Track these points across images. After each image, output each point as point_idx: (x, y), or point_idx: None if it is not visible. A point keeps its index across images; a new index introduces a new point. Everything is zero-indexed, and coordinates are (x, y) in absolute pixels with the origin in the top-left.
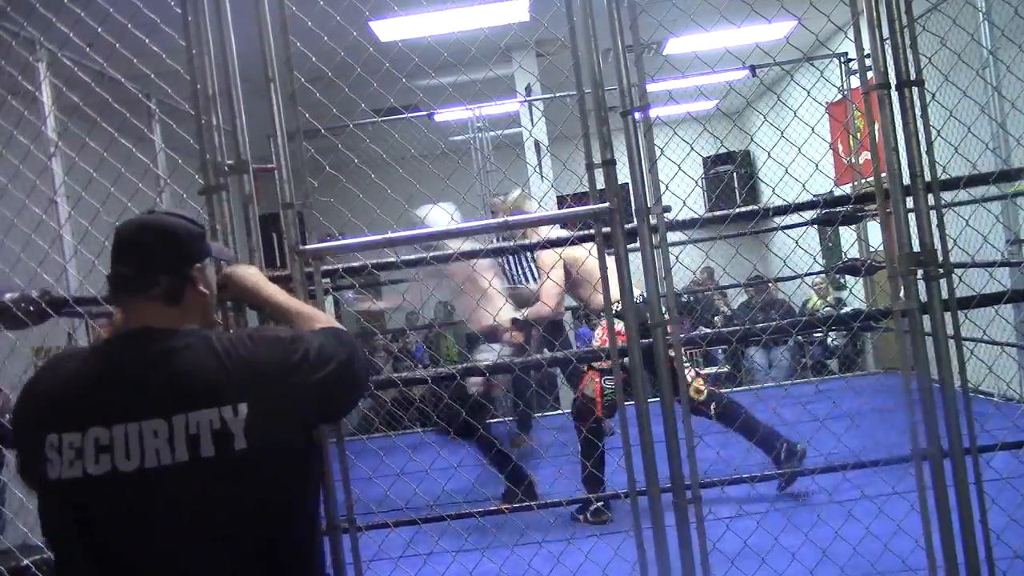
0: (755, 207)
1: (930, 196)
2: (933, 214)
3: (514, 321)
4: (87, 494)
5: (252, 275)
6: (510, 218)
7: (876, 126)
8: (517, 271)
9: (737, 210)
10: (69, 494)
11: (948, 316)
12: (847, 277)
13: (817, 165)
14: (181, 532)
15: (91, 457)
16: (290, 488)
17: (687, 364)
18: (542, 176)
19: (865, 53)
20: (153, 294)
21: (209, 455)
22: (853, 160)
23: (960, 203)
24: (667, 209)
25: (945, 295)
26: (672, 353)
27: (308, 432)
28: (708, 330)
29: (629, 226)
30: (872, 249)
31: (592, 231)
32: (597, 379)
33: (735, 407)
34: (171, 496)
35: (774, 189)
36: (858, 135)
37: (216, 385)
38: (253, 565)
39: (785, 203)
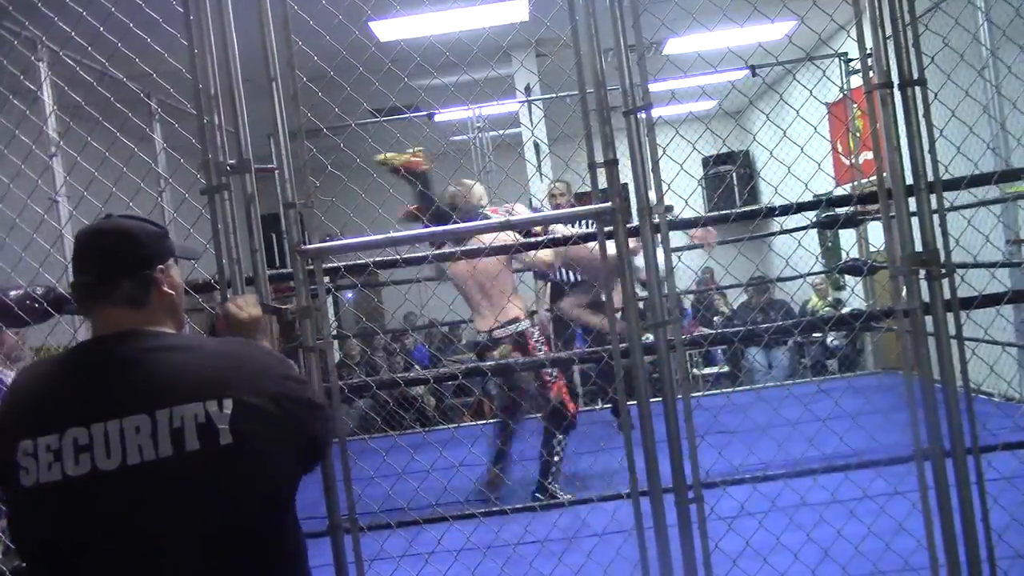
0: (758, 207)
1: (932, 196)
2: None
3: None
4: (67, 497)
5: (247, 309)
6: (513, 218)
7: (878, 126)
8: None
9: (740, 210)
10: (48, 499)
11: (950, 316)
12: (846, 277)
13: (820, 164)
14: (165, 530)
15: (70, 458)
16: (276, 487)
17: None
18: (542, 176)
19: (867, 52)
20: (117, 299)
21: (194, 448)
22: (853, 160)
23: (963, 206)
24: (669, 209)
25: (947, 295)
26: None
27: (290, 452)
28: (708, 330)
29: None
30: (873, 249)
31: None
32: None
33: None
34: (156, 493)
35: (776, 189)
36: (858, 134)
37: (201, 380)
38: (239, 563)
39: (788, 203)
